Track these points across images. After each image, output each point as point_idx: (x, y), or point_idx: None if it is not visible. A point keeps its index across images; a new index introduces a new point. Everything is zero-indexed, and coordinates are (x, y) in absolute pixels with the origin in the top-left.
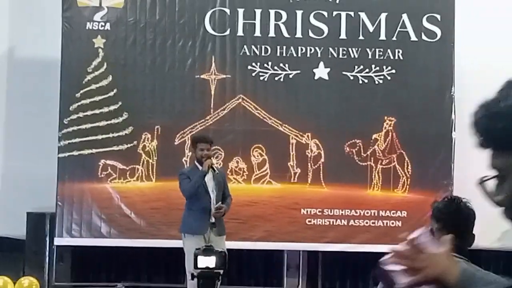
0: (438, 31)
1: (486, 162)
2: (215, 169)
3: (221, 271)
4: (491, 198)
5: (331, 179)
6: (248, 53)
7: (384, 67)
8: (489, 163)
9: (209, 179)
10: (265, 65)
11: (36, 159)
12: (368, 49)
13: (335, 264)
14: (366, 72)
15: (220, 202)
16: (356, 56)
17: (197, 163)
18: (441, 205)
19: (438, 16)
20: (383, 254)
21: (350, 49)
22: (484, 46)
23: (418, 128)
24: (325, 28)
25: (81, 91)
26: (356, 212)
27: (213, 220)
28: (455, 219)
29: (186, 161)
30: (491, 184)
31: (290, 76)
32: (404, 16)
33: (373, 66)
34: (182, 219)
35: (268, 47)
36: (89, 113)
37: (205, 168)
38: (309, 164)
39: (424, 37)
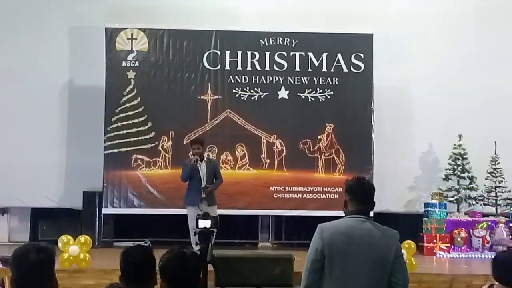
0: (362, 65)
1: (395, 155)
2: (204, 160)
3: (215, 230)
4: None
5: (290, 166)
6: (233, 81)
7: (326, 89)
8: None
9: (202, 168)
10: (244, 89)
11: (89, 155)
12: (314, 78)
13: (294, 224)
14: (313, 93)
15: (207, 184)
16: (307, 82)
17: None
18: (352, 182)
19: (362, 55)
20: (326, 216)
21: (302, 77)
22: (394, 73)
23: (349, 131)
24: (285, 63)
25: (119, 108)
26: (307, 189)
27: (203, 195)
28: (361, 192)
29: (191, 155)
30: None
31: (262, 96)
32: (339, 55)
33: (318, 89)
34: (184, 195)
35: (247, 77)
36: (124, 123)
37: (192, 163)
38: (275, 156)
39: (352, 69)
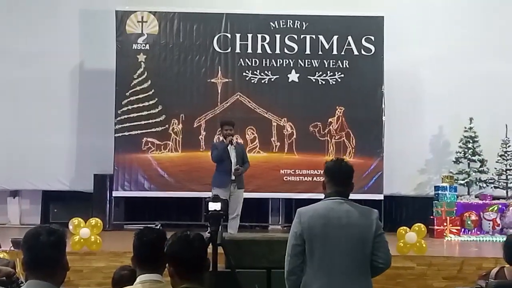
0: (372, 48)
1: (405, 138)
2: (234, 143)
3: (224, 212)
4: None
5: (300, 149)
6: (243, 64)
7: (336, 72)
8: None
9: (231, 150)
10: (255, 72)
11: (100, 138)
12: (325, 61)
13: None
14: (324, 76)
15: (238, 166)
16: (317, 65)
17: (224, 139)
18: (330, 164)
19: (372, 37)
20: None
21: (312, 60)
22: (405, 57)
23: (359, 114)
24: (295, 46)
25: (130, 91)
26: (318, 172)
27: (233, 178)
28: (340, 173)
29: (202, 138)
30: None
31: (272, 79)
32: (349, 38)
33: (328, 72)
34: (212, 177)
35: (257, 60)
36: (135, 106)
37: (227, 142)
38: (285, 139)
39: (363, 52)
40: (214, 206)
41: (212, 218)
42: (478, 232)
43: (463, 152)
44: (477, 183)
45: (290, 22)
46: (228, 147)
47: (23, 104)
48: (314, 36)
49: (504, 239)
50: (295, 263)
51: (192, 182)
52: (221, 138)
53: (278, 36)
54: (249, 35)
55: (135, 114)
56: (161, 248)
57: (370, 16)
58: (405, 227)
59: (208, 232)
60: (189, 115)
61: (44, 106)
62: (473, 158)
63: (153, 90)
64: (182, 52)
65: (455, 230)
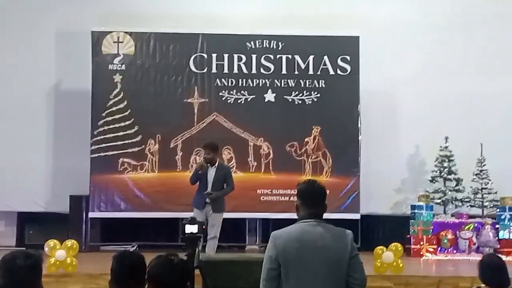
0: (348, 67)
1: (381, 157)
2: (211, 166)
3: (201, 235)
4: None
5: (277, 169)
6: (219, 84)
7: (312, 92)
8: None
9: (210, 173)
10: (231, 92)
11: (76, 159)
12: (301, 80)
13: (280, 227)
14: (300, 96)
15: (214, 190)
16: (293, 85)
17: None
18: (302, 186)
19: (348, 57)
20: None
21: (289, 80)
22: (380, 76)
23: (336, 133)
24: (271, 66)
25: (106, 112)
26: (295, 191)
27: (208, 200)
28: (313, 195)
29: (178, 159)
30: None
31: (248, 99)
32: (325, 58)
33: (304, 91)
34: (193, 198)
35: (233, 80)
36: (111, 126)
37: (197, 167)
38: (262, 159)
39: (339, 72)
40: (190, 228)
41: (189, 241)
42: (455, 251)
43: (438, 171)
44: (453, 202)
45: (266, 42)
46: (208, 169)
47: None
48: (290, 56)
49: (480, 258)
50: (270, 287)
51: (168, 202)
52: (197, 159)
53: (254, 56)
54: (225, 55)
55: (111, 135)
56: (142, 269)
57: (345, 36)
58: (382, 247)
59: (185, 255)
60: (166, 136)
61: (20, 126)
62: (449, 177)
63: (129, 111)
64: (158, 72)
65: (431, 249)
